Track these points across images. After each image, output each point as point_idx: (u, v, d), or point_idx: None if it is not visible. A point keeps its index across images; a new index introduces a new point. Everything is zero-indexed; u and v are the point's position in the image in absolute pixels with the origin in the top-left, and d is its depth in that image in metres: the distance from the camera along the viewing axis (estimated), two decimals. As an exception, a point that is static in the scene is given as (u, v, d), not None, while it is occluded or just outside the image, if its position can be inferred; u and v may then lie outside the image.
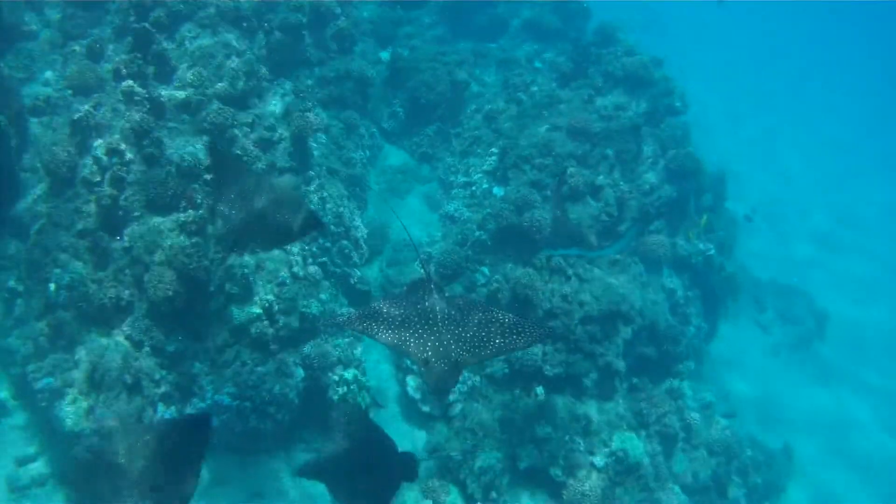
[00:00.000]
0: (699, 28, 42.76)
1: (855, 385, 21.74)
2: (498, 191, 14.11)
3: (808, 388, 20.80)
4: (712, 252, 16.02)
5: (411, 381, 12.10)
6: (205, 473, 10.46)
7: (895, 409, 21.07)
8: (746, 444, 14.71)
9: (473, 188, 14.65)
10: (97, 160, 10.41)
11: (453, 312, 6.51)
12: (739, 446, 14.24)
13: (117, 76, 11.32)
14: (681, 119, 16.21)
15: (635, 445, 11.94)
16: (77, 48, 12.33)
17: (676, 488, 12.35)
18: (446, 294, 6.92)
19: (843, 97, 46.37)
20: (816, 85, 46.14)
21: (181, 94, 11.39)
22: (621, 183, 14.17)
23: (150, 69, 11.35)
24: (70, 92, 11.85)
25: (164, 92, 11.31)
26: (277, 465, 11.09)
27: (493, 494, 11.17)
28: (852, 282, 27.33)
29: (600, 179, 13.69)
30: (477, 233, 13.31)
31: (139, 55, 11.25)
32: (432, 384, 6.07)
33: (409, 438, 12.00)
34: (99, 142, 10.51)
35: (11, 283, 10.93)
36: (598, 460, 11.79)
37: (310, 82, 13.32)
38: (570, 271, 12.49)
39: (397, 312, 6.56)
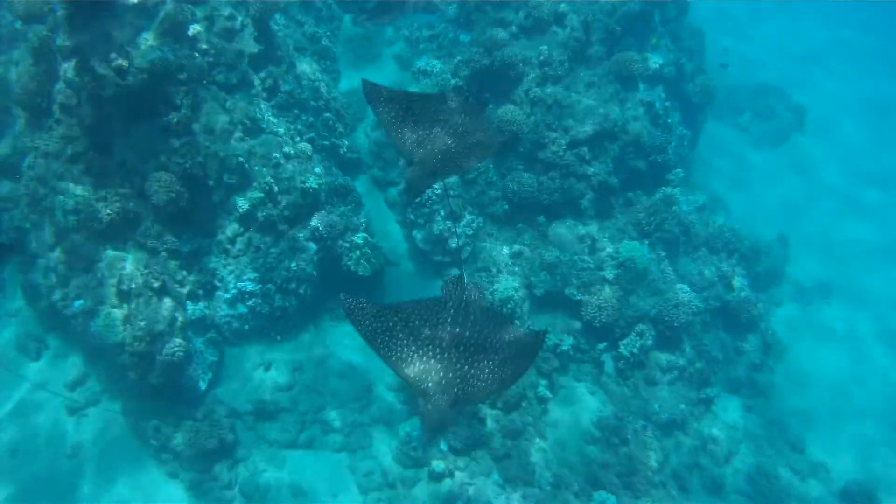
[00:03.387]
0: None
1: (837, 170, 22.28)
2: (465, 37, 14.13)
3: (791, 178, 21.35)
4: (683, 61, 16.17)
5: (418, 234, 12.57)
6: (247, 364, 11.19)
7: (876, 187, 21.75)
8: (744, 237, 15.31)
9: (440, 39, 14.67)
10: (70, 82, 10.39)
11: (466, 333, 5.68)
12: (738, 240, 14.85)
13: (64, -5, 11.13)
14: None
15: (640, 253, 12.49)
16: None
17: (685, 287, 12.95)
18: (472, 293, 6.15)
19: None
20: None
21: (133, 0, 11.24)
22: (584, 6, 14.15)
23: (98, -19, 11.16)
24: (20, 23, 11.68)
25: (117, 1, 11.15)
26: (309, 337, 11.70)
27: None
28: (822, 71, 27.54)
29: (563, 7, 13.67)
30: (452, 81, 13.40)
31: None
32: (427, 422, 5.23)
33: (427, 290, 12.55)
34: (66, 64, 10.47)
35: (17, 222, 11.16)
36: (608, 273, 12.39)
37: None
38: (549, 101, 12.73)
39: (408, 322, 5.69)
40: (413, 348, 5.51)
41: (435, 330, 5.63)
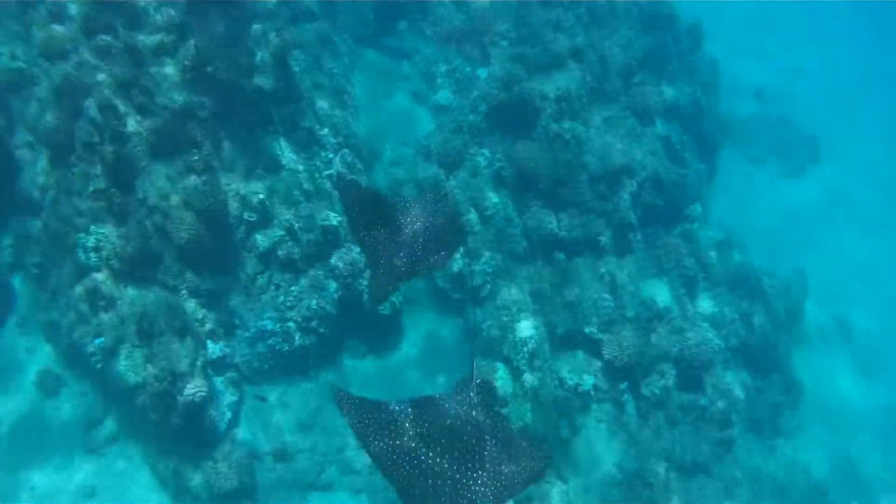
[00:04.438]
0: None
1: (849, 202, 22.23)
2: (482, 72, 14.15)
3: (807, 210, 21.29)
4: (699, 94, 16.17)
5: (437, 273, 12.50)
6: (267, 403, 11.10)
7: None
8: (763, 274, 15.20)
9: (457, 74, 14.69)
10: (92, 120, 10.40)
11: (463, 439, 5.46)
12: (756, 276, 14.74)
13: (87, 33, 11.18)
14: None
15: (660, 291, 12.43)
16: (37, 14, 12.09)
17: (705, 325, 12.84)
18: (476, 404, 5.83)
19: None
20: None
21: (156, 38, 11.27)
22: (600, 41, 14.19)
23: (119, 20, 11.22)
24: (43, 60, 11.72)
25: (140, 37, 11.20)
26: (329, 376, 11.62)
27: (538, 362, 11.72)
28: (834, 101, 27.51)
29: (579, 41, 13.70)
30: (470, 117, 13.41)
31: (104, 8, 11.10)
32: None
33: (445, 326, 12.52)
34: (89, 102, 10.49)
35: (37, 259, 11.12)
36: (629, 311, 12.29)
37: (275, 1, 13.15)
38: (567, 136, 12.68)
39: (404, 423, 5.47)
40: (405, 451, 5.27)
41: (430, 433, 5.39)
